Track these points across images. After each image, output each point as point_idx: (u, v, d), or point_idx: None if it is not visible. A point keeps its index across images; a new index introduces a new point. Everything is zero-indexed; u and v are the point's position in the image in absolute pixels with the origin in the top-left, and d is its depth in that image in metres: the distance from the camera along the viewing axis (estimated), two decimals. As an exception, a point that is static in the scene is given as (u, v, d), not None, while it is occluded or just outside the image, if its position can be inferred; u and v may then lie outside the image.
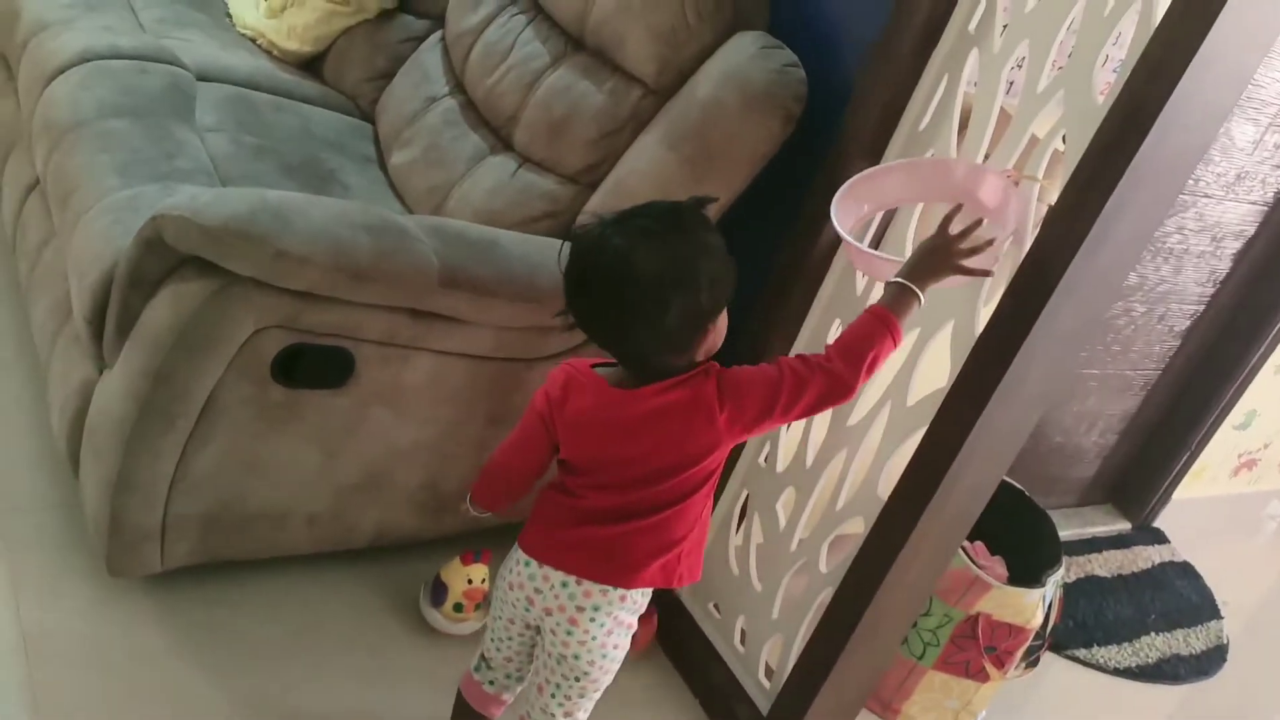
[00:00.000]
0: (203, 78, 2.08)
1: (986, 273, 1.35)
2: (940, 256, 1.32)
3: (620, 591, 1.32)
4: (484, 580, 1.80)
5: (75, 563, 1.68)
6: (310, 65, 2.45)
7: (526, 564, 1.34)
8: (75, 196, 1.70)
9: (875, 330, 1.29)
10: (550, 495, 1.37)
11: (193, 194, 1.45)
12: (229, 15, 2.51)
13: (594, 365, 1.33)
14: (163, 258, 1.46)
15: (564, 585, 1.32)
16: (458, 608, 1.78)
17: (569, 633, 1.33)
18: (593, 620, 1.32)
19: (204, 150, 1.88)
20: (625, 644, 1.38)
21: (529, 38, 2.04)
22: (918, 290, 1.31)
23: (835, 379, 1.27)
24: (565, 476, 1.36)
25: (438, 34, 2.29)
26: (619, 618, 1.34)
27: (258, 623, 1.72)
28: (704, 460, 1.29)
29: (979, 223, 1.33)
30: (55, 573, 1.66)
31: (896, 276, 1.32)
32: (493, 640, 1.45)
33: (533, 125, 1.96)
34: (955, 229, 1.33)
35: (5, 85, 2.24)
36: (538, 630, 1.39)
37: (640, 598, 1.36)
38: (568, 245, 1.23)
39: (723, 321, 1.28)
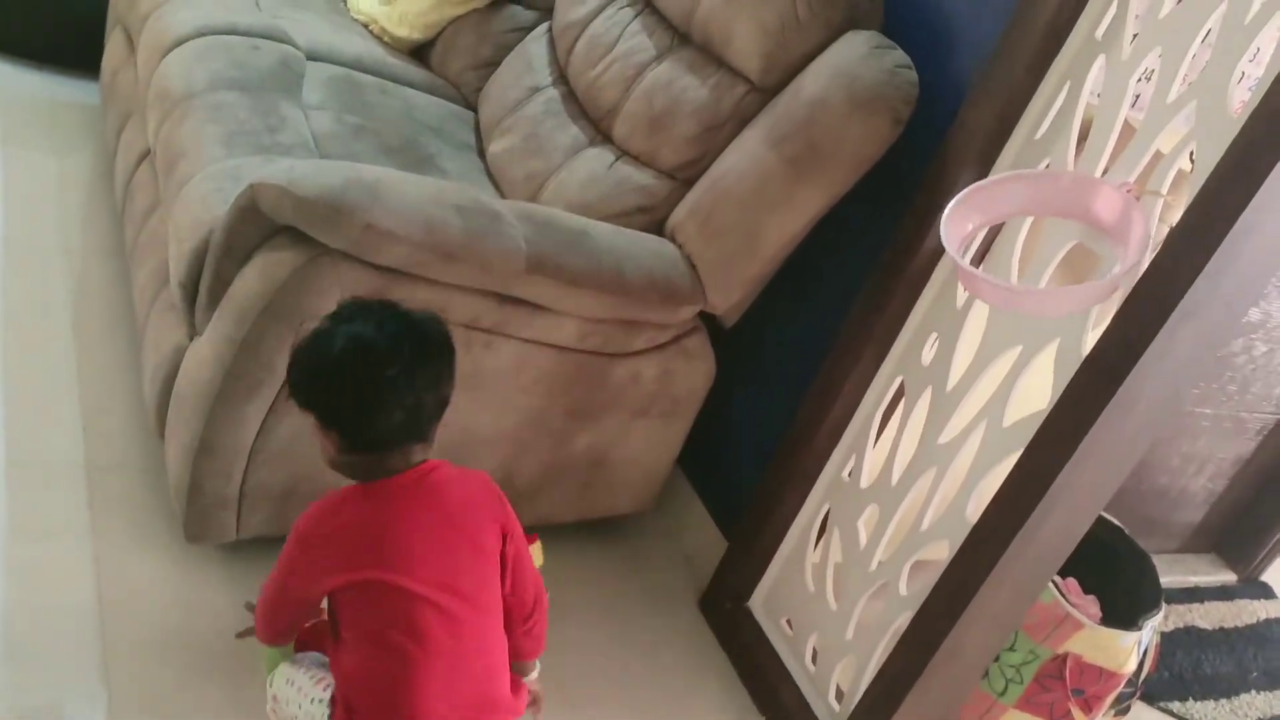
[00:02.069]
0: (312, 57, 2.11)
1: None
2: None
3: None
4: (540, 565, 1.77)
5: (156, 526, 1.71)
6: (419, 52, 2.47)
7: None
8: (181, 165, 1.73)
9: None
10: None
11: (290, 165, 1.46)
12: (344, 1, 2.54)
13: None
14: (258, 226, 1.47)
15: None
16: None
17: None
18: None
19: (307, 126, 1.90)
20: None
21: (635, 30, 2.01)
22: None
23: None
24: None
25: (545, 25, 2.28)
26: None
27: (326, 598, 1.72)
28: None
29: None
30: (136, 535, 1.69)
31: None
32: None
33: (633, 118, 1.93)
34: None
35: (127, 57, 2.31)
36: None
37: None
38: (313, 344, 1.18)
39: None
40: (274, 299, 1.44)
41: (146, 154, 2.02)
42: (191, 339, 1.61)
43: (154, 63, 1.98)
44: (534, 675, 1.39)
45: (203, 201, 1.62)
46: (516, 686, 1.32)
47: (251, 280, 1.46)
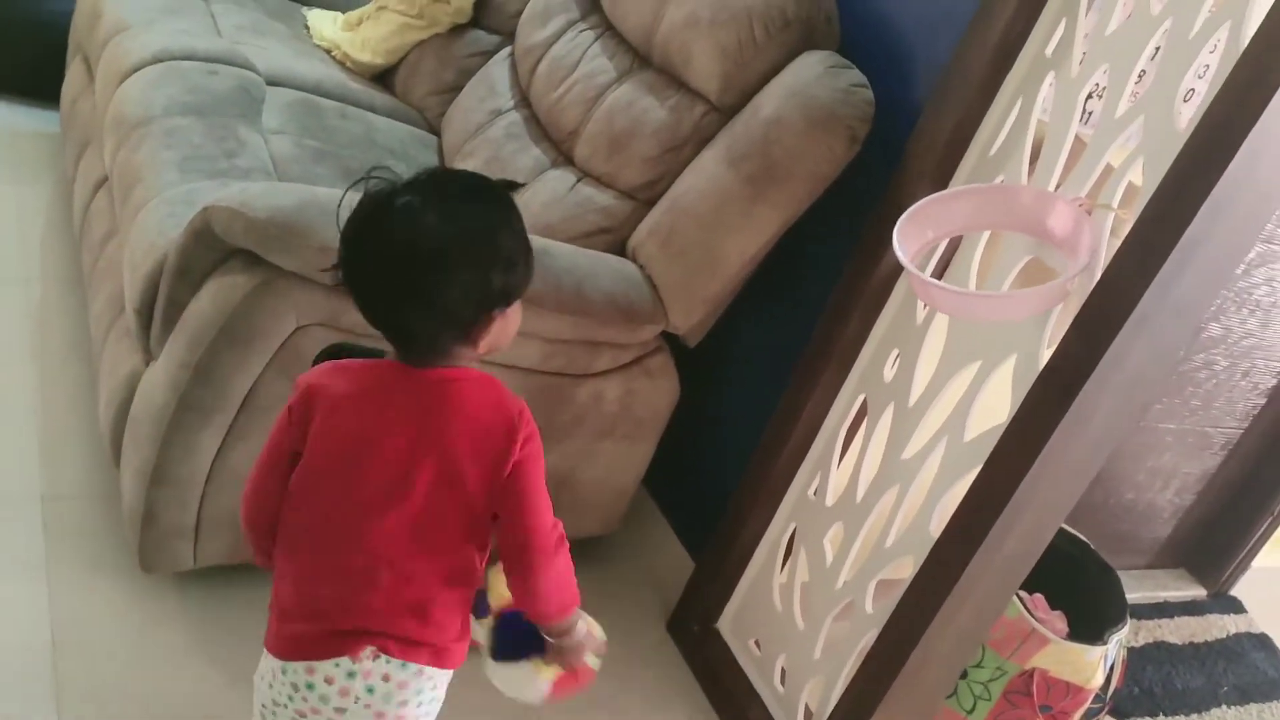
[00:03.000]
0: (272, 82, 2.11)
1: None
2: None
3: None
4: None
5: (110, 556, 1.68)
6: (382, 78, 2.47)
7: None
8: (136, 190, 1.72)
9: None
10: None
11: (243, 188, 1.45)
12: (307, 27, 2.54)
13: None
14: (211, 249, 1.46)
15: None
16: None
17: None
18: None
19: (266, 150, 1.89)
20: None
21: (596, 53, 2.02)
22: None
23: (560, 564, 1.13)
24: None
25: (507, 49, 2.29)
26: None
27: (286, 627, 1.69)
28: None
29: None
30: (90, 564, 1.66)
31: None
32: None
33: (594, 140, 1.93)
34: None
35: (86, 85, 2.29)
36: None
37: None
38: (351, 196, 1.06)
39: (514, 316, 1.10)
40: (228, 322, 1.43)
41: (104, 181, 2.01)
42: (147, 364, 1.59)
43: (111, 89, 1.97)
44: (566, 641, 1.18)
45: (157, 226, 1.60)
46: (444, 618, 1.13)
47: (205, 304, 1.45)
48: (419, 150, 2.21)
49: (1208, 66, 1.38)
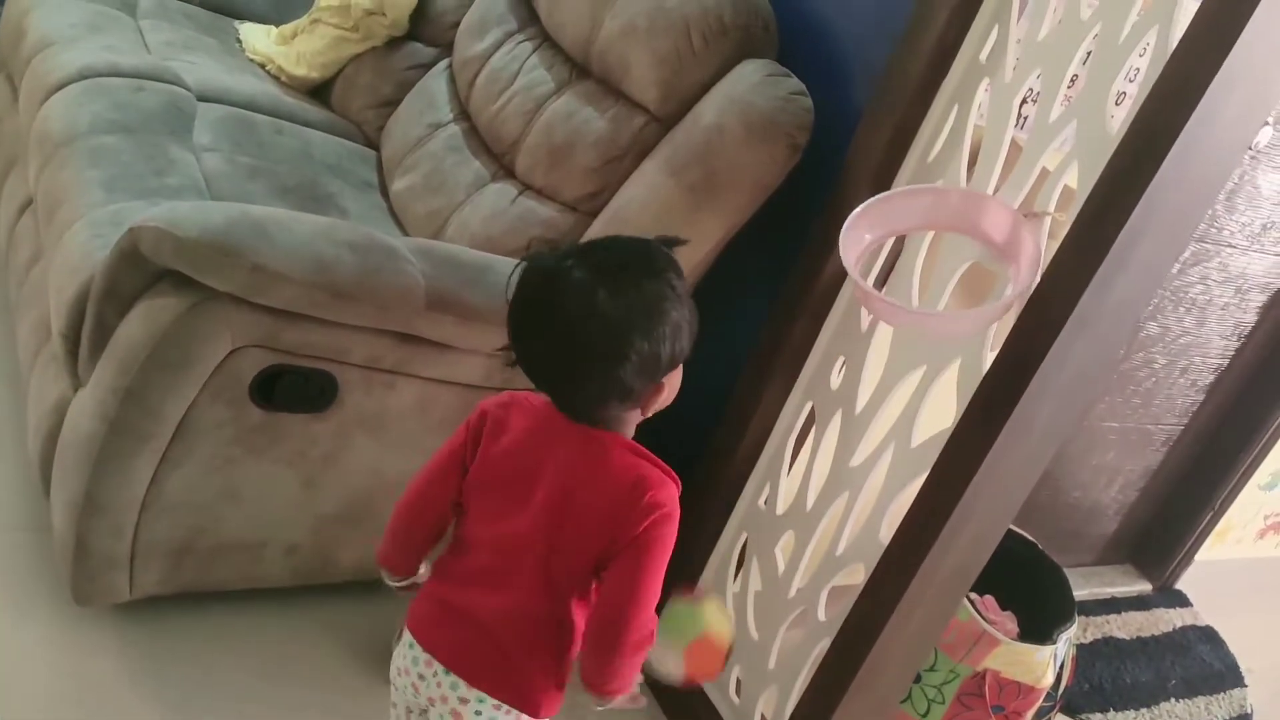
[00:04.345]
0: (203, 98, 2.06)
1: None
2: None
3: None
4: None
5: (42, 590, 1.62)
6: (318, 93, 2.43)
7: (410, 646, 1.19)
8: (61, 211, 1.67)
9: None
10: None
11: (172, 206, 1.41)
12: (239, 41, 2.50)
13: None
14: (140, 271, 1.42)
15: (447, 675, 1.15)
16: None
17: None
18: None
19: (197, 168, 1.84)
20: None
21: (534, 64, 2.01)
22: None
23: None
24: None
25: (445, 61, 2.27)
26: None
27: (228, 658, 1.65)
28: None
29: None
30: (20, 599, 1.60)
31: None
32: None
33: (534, 152, 1.92)
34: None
35: (10, 105, 2.23)
36: None
37: None
38: (518, 271, 1.09)
39: (677, 377, 1.15)
40: (158, 346, 1.38)
41: (29, 203, 1.94)
42: (75, 391, 1.54)
43: (35, 107, 1.91)
44: (599, 706, 1.20)
45: (82, 248, 1.56)
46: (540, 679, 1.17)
47: (135, 327, 1.41)
48: (357, 165, 2.18)
49: (1138, 70, 1.39)
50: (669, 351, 1.09)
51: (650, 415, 1.17)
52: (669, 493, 1.13)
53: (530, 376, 1.12)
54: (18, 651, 1.52)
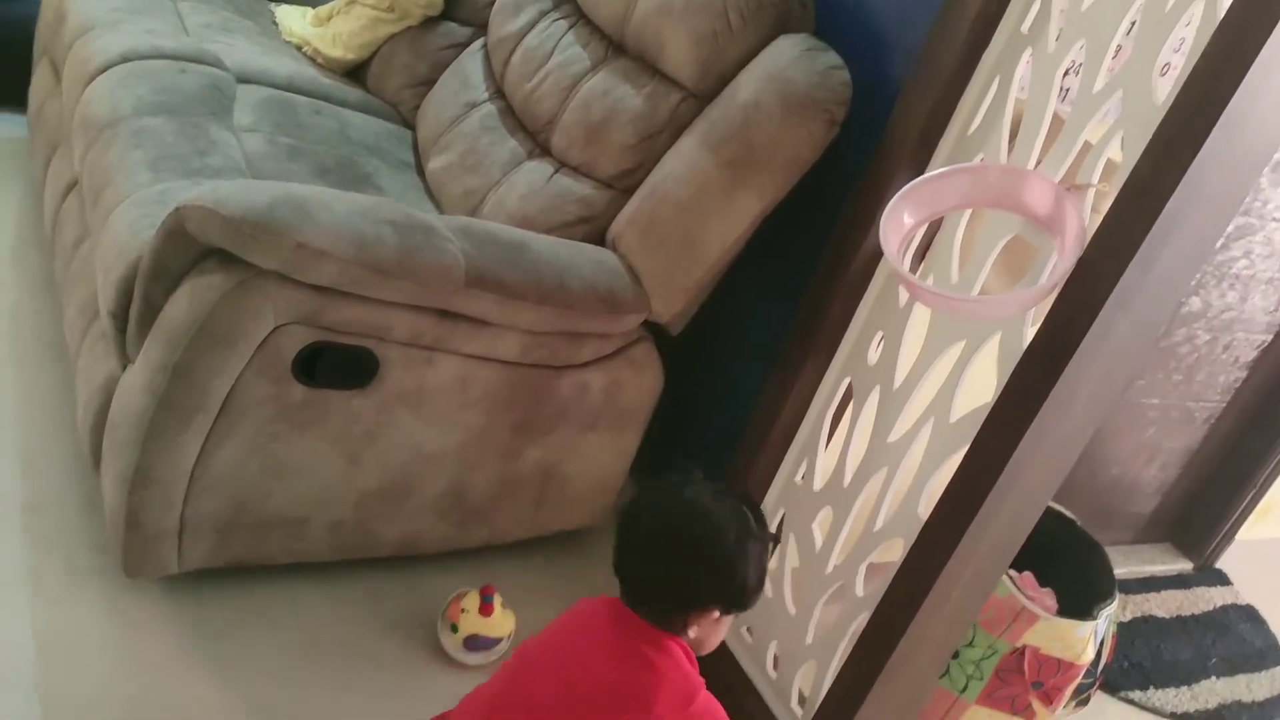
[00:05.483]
0: (243, 79, 2.08)
1: None
2: None
3: None
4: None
5: (94, 562, 1.66)
6: (354, 73, 2.45)
7: None
8: (107, 192, 1.70)
9: None
10: None
11: (216, 185, 1.43)
12: (276, 24, 2.52)
13: None
14: (185, 250, 1.44)
15: None
16: (453, 628, 1.73)
17: None
18: None
19: (238, 149, 1.86)
20: None
21: (569, 42, 2.01)
22: None
23: None
24: None
25: (480, 40, 2.27)
26: None
27: (273, 631, 1.68)
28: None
29: None
30: (73, 572, 1.64)
31: None
32: None
33: (570, 130, 1.92)
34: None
35: (53, 87, 2.26)
36: None
37: None
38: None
39: (725, 626, 1.27)
40: (205, 323, 1.41)
41: (74, 184, 1.98)
42: (124, 368, 1.57)
43: (78, 90, 1.94)
44: None
45: (129, 228, 1.58)
46: None
47: (181, 305, 1.43)
48: (394, 145, 2.19)
49: (1183, 40, 1.37)
50: (733, 594, 1.22)
51: (688, 642, 1.24)
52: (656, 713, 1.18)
53: (616, 563, 1.24)
54: (69, 622, 1.56)
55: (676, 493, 1.24)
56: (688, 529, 1.20)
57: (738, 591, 1.22)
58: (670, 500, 1.24)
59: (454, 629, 1.72)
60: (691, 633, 1.23)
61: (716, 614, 1.22)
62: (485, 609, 1.72)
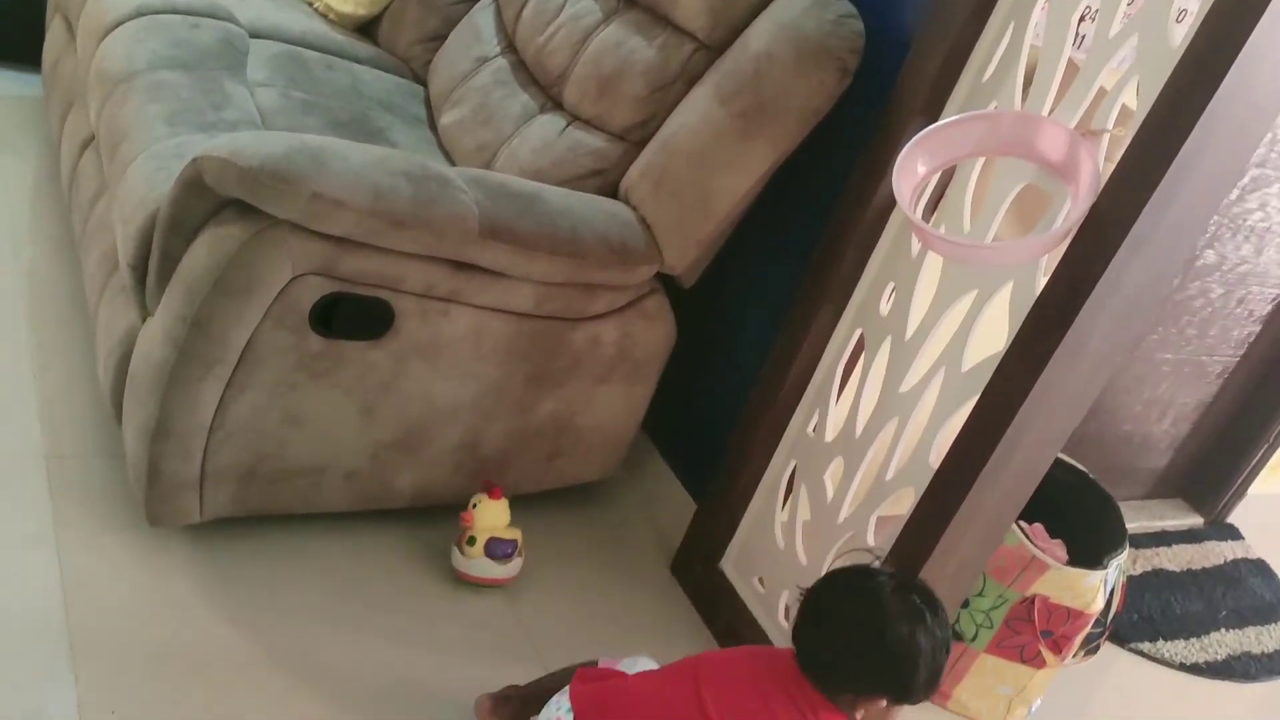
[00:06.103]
0: (255, 34, 2.08)
1: None
2: None
3: None
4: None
5: (117, 512, 1.69)
6: (366, 29, 2.45)
7: None
8: (124, 146, 1.71)
9: None
10: None
11: (233, 137, 1.44)
12: (287, -21, 2.51)
13: None
14: (203, 201, 1.46)
15: None
16: (470, 541, 1.76)
17: None
18: None
19: (252, 103, 1.87)
20: None
21: (581, -6, 2.00)
22: None
23: None
24: None
25: (492, -6, 2.26)
26: None
27: (294, 578, 1.71)
28: None
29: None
30: (97, 521, 1.67)
31: None
32: None
33: (582, 83, 1.92)
34: None
35: (67, 44, 2.27)
36: None
37: None
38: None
39: (894, 716, 1.30)
40: (223, 273, 1.42)
41: (90, 140, 1.99)
42: (144, 320, 1.59)
43: (93, 46, 1.95)
44: None
45: (147, 181, 1.59)
46: None
47: (200, 256, 1.45)
48: (407, 100, 2.19)
49: (1198, -14, 1.36)
50: (899, 689, 1.25)
51: None
52: None
53: (794, 633, 1.31)
54: (95, 571, 1.59)
55: (861, 581, 1.30)
56: (864, 620, 1.25)
57: (905, 686, 1.25)
58: (853, 587, 1.30)
59: (471, 541, 1.75)
60: (859, 715, 1.27)
61: (884, 703, 1.27)
62: (494, 492, 1.78)
